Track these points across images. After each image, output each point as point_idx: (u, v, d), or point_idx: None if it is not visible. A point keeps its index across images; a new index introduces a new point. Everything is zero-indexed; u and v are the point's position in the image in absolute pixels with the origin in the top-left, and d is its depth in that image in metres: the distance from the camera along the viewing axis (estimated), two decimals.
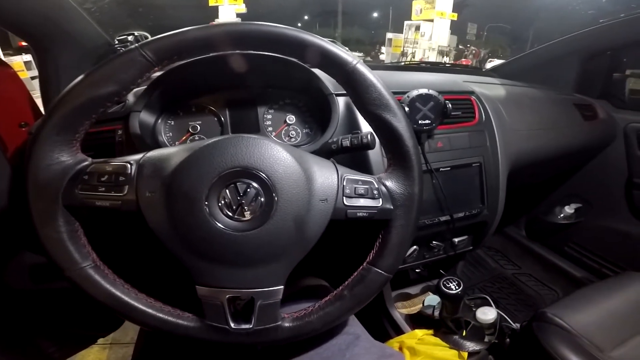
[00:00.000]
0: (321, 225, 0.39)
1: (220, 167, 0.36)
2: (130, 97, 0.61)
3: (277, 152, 0.38)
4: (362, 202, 0.41)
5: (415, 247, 0.80)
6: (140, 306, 0.39)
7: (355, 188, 0.41)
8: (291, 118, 0.69)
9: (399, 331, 0.86)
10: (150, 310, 0.39)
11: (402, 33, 9.50)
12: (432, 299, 0.87)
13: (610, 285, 0.79)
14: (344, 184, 0.41)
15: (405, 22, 9.35)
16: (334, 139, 0.62)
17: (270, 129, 0.69)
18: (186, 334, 0.40)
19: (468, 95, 0.81)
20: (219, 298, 0.38)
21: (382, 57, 10.98)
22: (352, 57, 0.41)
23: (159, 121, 0.64)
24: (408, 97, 0.68)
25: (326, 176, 0.40)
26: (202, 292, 0.38)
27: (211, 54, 0.62)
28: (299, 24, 23.15)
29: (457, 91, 0.81)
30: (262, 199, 0.37)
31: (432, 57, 7.91)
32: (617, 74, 1.22)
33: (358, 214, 0.41)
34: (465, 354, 0.77)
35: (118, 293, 0.38)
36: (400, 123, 0.42)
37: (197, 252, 0.37)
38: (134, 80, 0.37)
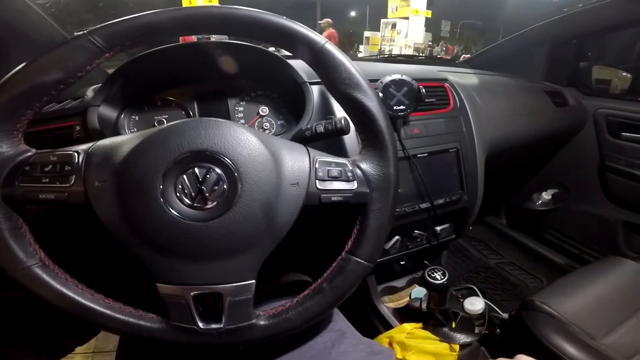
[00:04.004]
0: (293, 212, 0.37)
1: (176, 151, 0.34)
2: (89, 92, 0.58)
3: (241, 134, 0.36)
4: (336, 185, 0.39)
5: (397, 237, 0.79)
6: (97, 307, 0.36)
7: (328, 170, 0.39)
8: (264, 109, 0.67)
9: (388, 326, 0.84)
10: (108, 312, 0.36)
11: (379, 31, 9.59)
12: (418, 292, 0.86)
13: (594, 271, 0.80)
14: (317, 166, 0.39)
15: (382, 20, 9.44)
16: (308, 126, 0.61)
17: (242, 121, 0.67)
18: (150, 336, 0.37)
19: (442, 83, 0.80)
20: (183, 296, 0.35)
21: (360, 55, 11.05)
22: (319, 37, 0.39)
23: (122, 116, 0.60)
24: (382, 82, 0.67)
25: (297, 159, 0.38)
26: (164, 290, 0.35)
27: (175, 45, 0.60)
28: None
29: (430, 79, 0.80)
30: (225, 185, 0.34)
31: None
32: (584, 62, 1.25)
33: (333, 198, 0.38)
34: (457, 347, 0.76)
35: (71, 294, 0.35)
36: (371, 102, 0.40)
37: (154, 246, 0.34)
38: (82, 67, 0.35)
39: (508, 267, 1.40)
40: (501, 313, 0.86)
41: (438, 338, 0.77)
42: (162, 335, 0.37)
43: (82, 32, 0.34)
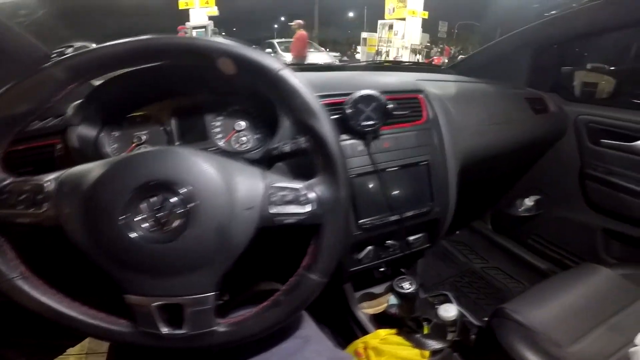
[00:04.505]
0: (247, 234, 0.39)
1: (135, 182, 0.37)
2: (70, 110, 0.58)
3: (195, 164, 0.39)
4: (290, 208, 0.41)
5: (370, 247, 0.80)
6: (73, 314, 0.40)
7: (282, 195, 0.41)
8: (240, 124, 0.68)
9: (365, 331, 0.86)
10: (82, 317, 0.40)
11: (377, 32, 9.62)
12: (395, 299, 0.87)
13: (568, 278, 0.80)
14: (270, 191, 0.41)
15: (379, 22, 9.46)
16: (276, 145, 0.62)
17: (219, 136, 0.67)
18: (121, 339, 0.41)
19: (416, 94, 0.81)
20: (146, 306, 0.39)
21: (358, 56, 11.09)
22: (276, 63, 0.40)
23: (102, 134, 0.62)
24: (351, 99, 0.68)
25: (251, 185, 0.41)
26: (130, 300, 0.39)
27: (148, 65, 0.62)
28: (275, 25, 23.06)
29: (405, 90, 0.81)
30: (180, 211, 0.37)
31: (406, 55, 8.06)
32: (566, 67, 1.25)
33: (286, 221, 0.41)
34: (427, 353, 0.77)
35: (49, 302, 0.40)
36: (323, 128, 0.41)
37: (120, 263, 0.38)
38: (47, 100, 0.38)
39: (492, 271, 1.41)
40: (473, 320, 0.87)
41: (411, 344, 0.78)
42: (131, 339, 0.41)
43: (45, 65, 0.37)
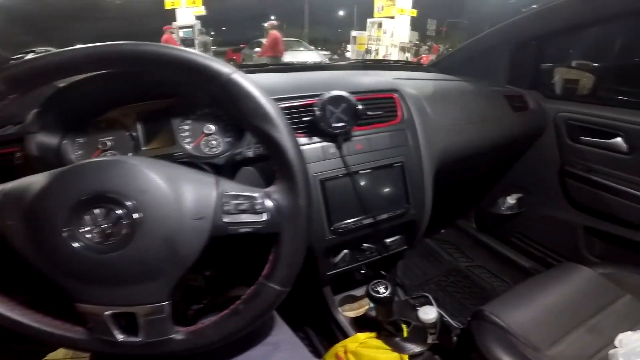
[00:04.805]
0: (198, 244, 0.39)
1: (78, 194, 0.37)
2: (30, 117, 0.56)
3: (141, 174, 0.38)
4: (244, 217, 0.40)
5: (346, 251, 0.79)
6: (26, 321, 0.41)
7: (235, 204, 0.40)
8: (210, 128, 0.65)
9: (345, 335, 0.85)
10: (36, 325, 0.41)
11: (366, 31, 9.63)
12: None
13: (548, 279, 0.79)
14: (223, 200, 0.40)
15: (368, 20, 9.47)
16: (239, 150, 0.61)
17: (188, 140, 0.65)
18: (76, 346, 0.42)
19: (391, 94, 0.79)
20: (99, 314, 0.39)
21: (348, 54, 11.09)
22: (226, 67, 0.39)
23: (65, 140, 0.60)
24: (320, 100, 0.66)
25: (202, 194, 0.40)
26: (80, 309, 0.39)
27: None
28: (264, 24, 22.93)
29: (379, 90, 0.79)
30: (125, 222, 0.37)
31: (395, 54, 8.09)
32: (545, 64, 1.24)
33: (241, 230, 0.40)
34: (406, 357, 0.76)
35: (3, 311, 0.40)
36: (279, 133, 0.40)
37: (65, 274, 0.38)
38: None
39: (477, 270, 1.41)
40: (453, 322, 0.87)
41: (390, 348, 0.77)
42: (87, 346, 0.41)
43: None
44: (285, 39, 10.15)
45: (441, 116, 0.88)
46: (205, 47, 6.94)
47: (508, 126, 1.05)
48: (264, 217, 0.40)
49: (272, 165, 0.42)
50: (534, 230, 1.32)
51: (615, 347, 0.63)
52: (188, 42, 7.31)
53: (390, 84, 0.82)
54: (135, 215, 0.37)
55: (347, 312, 0.91)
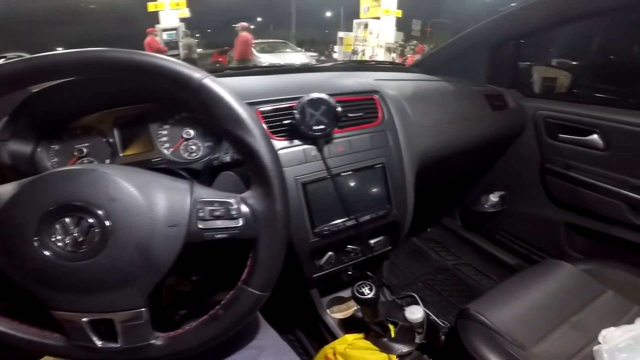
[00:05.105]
0: (172, 251, 0.39)
1: (46, 204, 0.37)
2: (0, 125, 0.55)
3: (111, 183, 0.38)
4: (220, 223, 0.40)
5: (330, 253, 0.78)
6: (4, 330, 0.41)
7: (210, 210, 0.40)
8: (189, 132, 0.65)
9: (334, 336, 0.84)
10: (13, 332, 0.41)
11: (353, 31, 9.68)
12: None
13: (531, 276, 0.81)
14: (198, 207, 0.40)
15: (355, 21, 9.53)
16: (216, 155, 0.60)
17: (167, 145, 0.65)
18: (55, 353, 0.42)
19: (371, 95, 0.80)
20: (76, 321, 0.39)
21: (335, 55, 11.13)
22: (197, 72, 0.39)
23: (39, 148, 0.59)
24: (300, 103, 0.66)
25: (175, 201, 0.40)
26: (58, 316, 0.39)
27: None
28: (252, 26, 22.82)
29: (359, 91, 0.79)
30: (97, 230, 0.37)
31: (381, 54, 8.15)
32: (523, 63, 1.26)
33: (216, 236, 0.40)
34: (394, 357, 0.76)
35: None
36: (253, 138, 0.40)
37: (39, 282, 0.38)
38: None
39: (464, 268, 1.42)
40: (439, 321, 0.87)
41: (378, 348, 0.77)
42: (66, 352, 0.41)
43: None
44: (272, 40, 10.16)
45: (422, 116, 0.88)
46: (190, 50, 6.87)
47: (488, 125, 1.07)
48: (240, 222, 0.41)
49: (248, 171, 0.42)
50: (517, 227, 1.34)
51: (599, 343, 0.64)
52: (172, 44, 7.25)
53: (371, 86, 0.83)
54: (107, 223, 0.37)
55: (335, 314, 0.91)
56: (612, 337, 0.64)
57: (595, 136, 1.02)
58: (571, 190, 1.10)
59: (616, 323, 0.68)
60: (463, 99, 1.07)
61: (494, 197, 1.31)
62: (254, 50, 8.28)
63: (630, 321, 0.68)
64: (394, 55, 8.29)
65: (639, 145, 0.94)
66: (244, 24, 6.24)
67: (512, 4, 1.07)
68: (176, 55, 7.08)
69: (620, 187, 0.99)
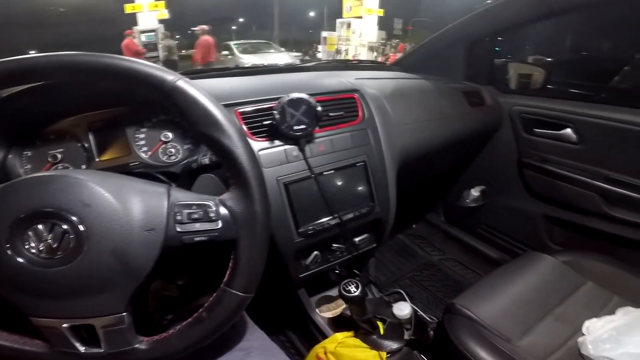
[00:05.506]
0: (150, 255, 0.39)
1: (18, 211, 0.36)
2: None
3: (84, 188, 0.38)
4: (198, 226, 0.40)
5: (316, 252, 0.79)
6: None
7: (188, 213, 0.40)
8: (167, 135, 0.64)
9: (324, 335, 0.85)
10: None
11: (336, 31, 9.71)
12: None
13: (513, 269, 0.82)
14: (175, 210, 0.40)
15: (338, 20, 9.56)
16: (195, 157, 0.60)
17: (145, 149, 0.64)
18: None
19: (351, 94, 0.80)
20: (56, 327, 0.39)
21: (319, 55, 11.13)
22: (170, 75, 0.39)
23: (10, 155, 0.57)
24: (279, 103, 0.66)
25: (152, 205, 0.39)
26: (37, 322, 0.39)
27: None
28: (234, 27, 22.59)
29: (340, 90, 0.80)
30: (71, 236, 0.37)
31: (364, 53, 8.21)
32: (499, 60, 1.29)
33: (196, 239, 0.40)
34: (384, 354, 0.77)
35: None
36: (229, 140, 0.40)
37: (15, 289, 0.38)
38: None
39: (450, 263, 1.45)
40: (427, 317, 0.88)
41: (368, 346, 0.78)
42: (50, 359, 0.41)
43: None
44: (254, 41, 10.07)
45: (402, 114, 0.90)
46: (169, 51, 6.74)
47: (466, 122, 1.09)
48: (219, 224, 0.40)
49: (226, 172, 0.42)
50: (498, 221, 1.37)
51: (583, 335, 0.66)
52: (151, 46, 7.13)
53: (351, 85, 0.83)
54: (81, 229, 0.37)
55: (325, 313, 0.91)
56: (594, 328, 0.66)
57: (568, 130, 1.06)
58: (548, 183, 1.13)
59: (597, 314, 0.70)
60: (442, 97, 1.08)
61: (475, 192, 1.34)
62: (235, 51, 8.22)
63: (611, 312, 0.70)
64: (376, 53, 8.36)
65: (610, 139, 0.98)
66: (204, 26, 6.19)
67: (488, 0, 1.09)
68: (155, 57, 6.97)
69: (593, 178, 1.02)
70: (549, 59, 1.41)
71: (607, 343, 0.62)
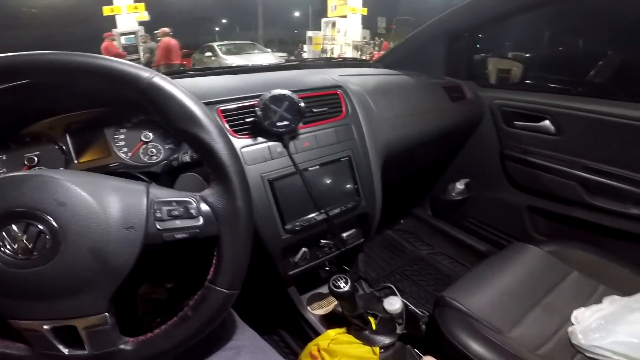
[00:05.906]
0: (130, 254, 0.38)
1: None
2: None
3: (59, 187, 0.37)
4: (179, 223, 0.40)
5: (304, 249, 0.79)
6: None
7: (168, 210, 0.40)
8: (148, 135, 0.63)
9: (317, 333, 0.85)
10: None
11: (321, 30, 9.73)
12: None
13: (500, 261, 0.83)
14: (155, 207, 0.39)
15: (323, 20, 9.58)
16: (175, 156, 0.59)
17: (125, 149, 0.62)
18: None
19: (334, 90, 0.81)
20: (38, 330, 0.38)
21: (304, 55, 11.12)
22: (146, 72, 0.38)
23: None
24: (261, 100, 0.65)
25: (130, 203, 0.39)
26: (17, 325, 0.38)
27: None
28: (217, 28, 22.34)
29: (323, 87, 0.80)
30: (48, 236, 0.36)
31: (349, 52, 8.26)
32: (478, 55, 1.32)
33: (177, 236, 0.40)
34: (377, 349, 0.77)
35: None
36: (208, 135, 0.40)
37: None
38: None
39: (438, 256, 1.46)
40: (418, 310, 0.89)
41: (361, 342, 0.78)
42: None
43: None
44: (238, 41, 9.97)
45: (384, 110, 0.90)
46: (151, 53, 6.61)
47: (448, 116, 1.11)
48: (200, 221, 0.40)
49: (206, 168, 0.41)
50: (484, 213, 1.39)
51: (572, 324, 0.67)
52: (131, 49, 6.99)
53: (335, 81, 0.84)
54: (57, 228, 0.36)
55: (317, 310, 0.91)
56: (583, 318, 0.67)
57: (547, 122, 1.09)
58: (529, 174, 1.16)
59: (585, 303, 0.71)
60: (423, 92, 1.10)
61: (460, 185, 1.36)
62: (219, 52, 8.12)
63: (598, 300, 0.72)
64: (360, 53, 8.42)
65: (586, 129, 1.01)
66: (165, 29, 6.16)
67: (454, 2, 1.11)
68: (136, 60, 6.83)
69: (572, 168, 1.05)
70: (527, 55, 1.44)
71: (596, 332, 0.63)
